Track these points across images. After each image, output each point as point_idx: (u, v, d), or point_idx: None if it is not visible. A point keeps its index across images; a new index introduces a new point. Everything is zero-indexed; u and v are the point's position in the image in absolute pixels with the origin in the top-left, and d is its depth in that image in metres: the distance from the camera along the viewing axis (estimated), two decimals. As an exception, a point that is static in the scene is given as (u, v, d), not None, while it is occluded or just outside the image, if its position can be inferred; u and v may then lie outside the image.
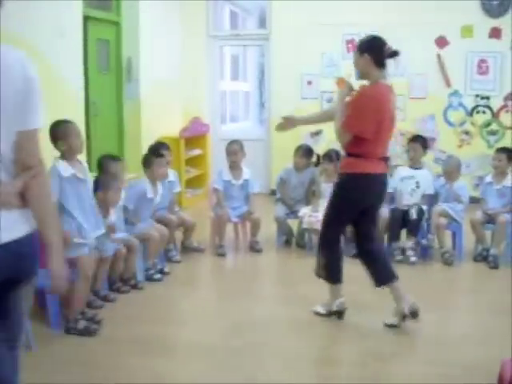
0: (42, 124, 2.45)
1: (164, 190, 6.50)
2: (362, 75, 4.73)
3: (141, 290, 5.73)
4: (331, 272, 4.98)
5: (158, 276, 6.06)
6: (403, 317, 4.83)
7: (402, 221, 6.76)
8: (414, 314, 4.82)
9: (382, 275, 4.89)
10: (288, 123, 5.35)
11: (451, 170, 6.90)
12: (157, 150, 6.57)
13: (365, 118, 4.56)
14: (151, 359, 4.33)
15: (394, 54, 4.68)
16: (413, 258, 6.59)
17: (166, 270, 6.24)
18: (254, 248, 7.14)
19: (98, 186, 5.41)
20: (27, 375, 3.99)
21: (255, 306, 5.52)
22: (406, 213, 6.73)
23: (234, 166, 7.21)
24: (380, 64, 4.65)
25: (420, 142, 7.02)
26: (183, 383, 3.98)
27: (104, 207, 5.35)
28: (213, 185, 7.34)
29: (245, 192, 7.28)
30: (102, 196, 5.35)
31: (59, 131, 4.81)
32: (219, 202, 7.12)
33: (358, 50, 4.73)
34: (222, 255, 6.98)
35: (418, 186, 6.87)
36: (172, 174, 6.92)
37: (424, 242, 6.81)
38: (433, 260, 6.78)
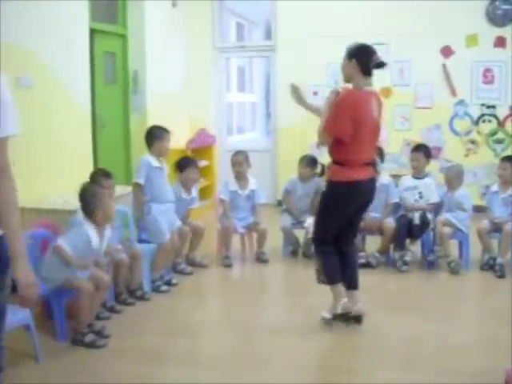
0: (12, 132, 2.48)
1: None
2: (347, 79, 4.86)
3: (147, 301, 5.75)
4: (327, 273, 5.06)
5: (165, 288, 6.08)
6: (335, 317, 5.02)
7: (408, 230, 6.76)
8: (359, 318, 5.05)
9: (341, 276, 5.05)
10: (294, 95, 5.30)
11: (452, 177, 6.91)
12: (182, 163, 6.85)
13: (342, 121, 4.69)
14: (158, 370, 4.34)
15: (381, 64, 4.76)
16: (404, 267, 6.63)
17: (175, 281, 6.26)
18: (261, 259, 7.15)
19: None
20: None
21: (262, 316, 5.54)
22: (411, 221, 6.75)
23: (240, 177, 7.22)
24: (366, 72, 4.76)
25: (423, 151, 7.02)
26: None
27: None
28: (219, 195, 7.35)
29: (251, 202, 7.29)
30: None
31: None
32: (226, 213, 7.13)
33: (346, 55, 4.83)
34: (229, 266, 6.99)
35: (421, 197, 6.88)
36: (194, 190, 7.01)
37: (431, 257, 6.80)
38: (439, 269, 6.77)
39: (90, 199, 4.86)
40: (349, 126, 4.66)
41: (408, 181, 7.02)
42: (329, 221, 4.98)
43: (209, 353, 4.68)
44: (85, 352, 4.61)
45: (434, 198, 6.90)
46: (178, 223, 6.43)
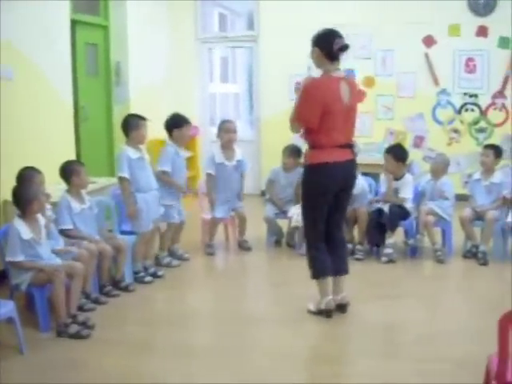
0: None
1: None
2: (316, 66, 4.93)
3: (132, 292, 5.75)
4: (312, 266, 5.07)
5: (149, 279, 6.07)
6: (319, 312, 5.04)
7: (381, 223, 6.77)
8: (344, 307, 5.10)
9: (331, 265, 5.05)
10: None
11: (437, 167, 6.93)
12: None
13: (308, 109, 4.77)
14: (143, 361, 4.34)
15: (344, 48, 4.80)
16: (383, 258, 6.64)
17: (161, 273, 6.25)
18: (243, 246, 7.19)
19: None
20: (19, 378, 4.03)
21: (247, 306, 5.56)
22: (381, 212, 6.78)
23: (229, 146, 7.14)
24: (330, 57, 4.79)
25: (392, 153, 6.86)
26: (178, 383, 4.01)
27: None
28: (206, 171, 7.21)
29: (239, 173, 7.25)
30: None
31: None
32: (210, 190, 7.09)
33: (311, 42, 4.90)
34: (211, 254, 7.03)
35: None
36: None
37: (411, 241, 6.83)
38: (423, 257, 6.81)
39: (26, 191, 4.85)
40: (315, 114, 4.72)
41: (385, 182, 6.93)
42: (313, 208, 4.99)
43: (194, 343, 4.68)
44: (69, 343, 4.60)
45: (405, 194, 6.81)
46: (162, 211, 6.41)
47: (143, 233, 6.11)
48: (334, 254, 5.08)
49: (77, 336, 4.66)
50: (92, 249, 5.33)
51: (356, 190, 6.82)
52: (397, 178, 6.86)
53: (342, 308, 5.10)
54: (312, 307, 5.12)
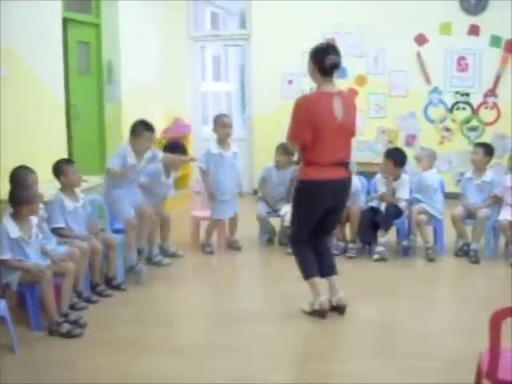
0: None
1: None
2: (312, 80, 4.91)
3: (124, 291, 5.75)
4: (302, 267, 5.10)
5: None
6: (313, 312, 5.04)
7: (375, 221, 6.78)
8: (342, 308, 5.08)
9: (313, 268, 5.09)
10: None
11: (422, 158, 7.00)
12: None
13: (299, 127, 4.76)
14: (135, 359, 4.34)
15: (334, 66, 4.76)
16: (375, 256, 6.65)
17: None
18: (233, 246, 7.22)
19: None
20: (11, 377, 4.02)
21: (238, 304, 5.57)
22: (377, 211, 6.79)
23: (226, 140, 7.10)
24: (323, 72, 4.77)
25: (392, 159, 6.86)
26: (168, 383, 4.01)
27: None
28: (199, 165, 7.17)
29: (236, 166, 7.24)
30: None
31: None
32: (208, 185, 7.07)
33: (308, 57, 4.88)
34: (210, 253, 7.06)
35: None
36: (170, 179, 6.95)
37: (405, 242, 6.83)
38: (414, 256, 6.82)
39: (20, 194, 4.85)
40: (306, 132, 4.71)
41: (382, 184, 6.94)
42: (300, 219, 5.03)
43: (186, 341, 4.68)
44: (61, 342, 4.60)
45: (401, 194, 6.83)
46: (142, 198, 6.41)
47: (127, 219, 6.09)
48: (325, 256, 5.16)
49: (68, 335, 4.67)
50: (84, 247, 5.32)
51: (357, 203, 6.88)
52: (394, 179, 6.87)
53: (339, 309, 5.09)
54: (306, 307, 5.12)
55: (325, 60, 4.72)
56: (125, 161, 6.06)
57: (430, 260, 6.61)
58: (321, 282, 5.07)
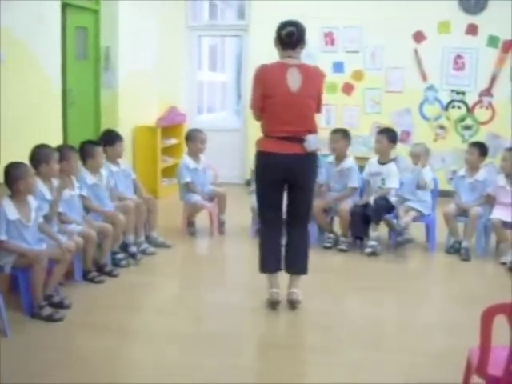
0: None
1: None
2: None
3: (115, 277, 5.76)
4: (259, 259, 5.13)
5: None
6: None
7: (366, 216, 6.80)
8: (291, 303, 5.06)
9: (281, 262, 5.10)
10: None
11: (416, 152, 6.99)
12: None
13: (254, 95, 4.93)
14: (123, 345, 4.38)
15: (289, 36, 4.84)
16: (367, 250, 6.67)
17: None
18: (220, 230, 7.39)
19: None
20: (3, 361, 4.02)
21: (228, 293, 5.60)
22: (368, 205, 6.82)
23: (198, 154, 7.40)
24: (282, 44, 4.89)
25: (386, 134, 6.97)
26: (155, 369, 4.02)
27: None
28: (184, 180, 7.29)
29: (207, 176, 7.56)
30: None
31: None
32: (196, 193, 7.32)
33: None
34: (193, 234, 7.30)
35: (383, 183, 6.88)
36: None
37: (400, 239, 6.85)
38: (406, 251, 6.85)
39: (14, 170, 4.82)
40: (257, 100, 4.87)
41: (373, 166, 7.03)
42: (258, 192, 5.06)
43: (174, 328, 4.69)
44: (54, 327, 4.62)
45: (391, 184, 6.85)
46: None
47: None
48: (288, 251, 5.08)
49: (49, 319, 4.67)
50: (78, 242, 5.31)
51: (351, 184, 6.91)
52: (383, 162, 6.92)
53: (289, 303, 5.07)
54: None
55: (282, 32, 4.85)
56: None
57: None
58: (275, 275, 5.08)
